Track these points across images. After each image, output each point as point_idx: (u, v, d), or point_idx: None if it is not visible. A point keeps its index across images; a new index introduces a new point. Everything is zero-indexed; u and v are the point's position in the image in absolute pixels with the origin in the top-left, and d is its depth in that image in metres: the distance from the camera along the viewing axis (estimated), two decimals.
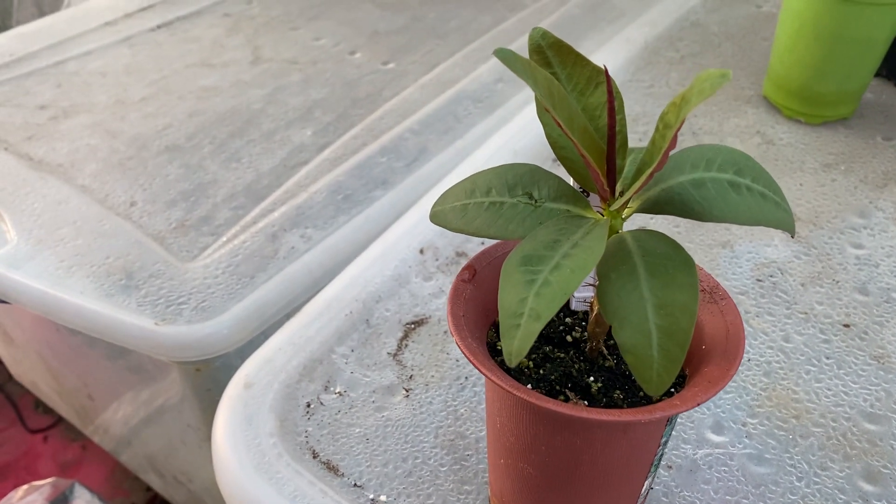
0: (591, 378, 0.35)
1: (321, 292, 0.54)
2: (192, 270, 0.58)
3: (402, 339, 0.52)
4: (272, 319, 0.57)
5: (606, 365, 0.36)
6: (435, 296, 0.54)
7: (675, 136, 0.26)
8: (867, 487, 0.43)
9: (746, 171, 0.30)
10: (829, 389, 0.48)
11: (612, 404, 0.34)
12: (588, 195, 0.35)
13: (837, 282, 0.55)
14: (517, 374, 0.36)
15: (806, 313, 0.53)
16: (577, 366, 0.36)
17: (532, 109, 0.71)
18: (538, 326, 0.27)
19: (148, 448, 0.85)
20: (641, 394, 0.35)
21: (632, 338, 0.28)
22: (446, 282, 0.55)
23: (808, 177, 0.65)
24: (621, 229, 0.32)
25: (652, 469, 0.36)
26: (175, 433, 0.72)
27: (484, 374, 0.31)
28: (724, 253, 0.58)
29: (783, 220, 0.30)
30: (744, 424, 0.46)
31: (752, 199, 0.29)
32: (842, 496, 0.42)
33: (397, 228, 0.60)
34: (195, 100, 0.77)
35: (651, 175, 0.27)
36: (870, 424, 0.46)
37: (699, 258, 0.57)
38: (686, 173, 0.30)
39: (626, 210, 0.32)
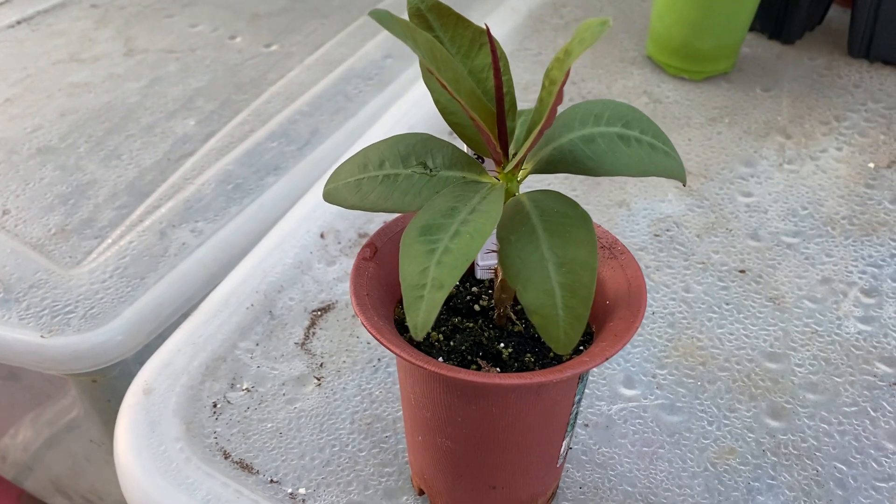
0: (502, 345, 0.35)
1: (218, 287, 0.52)
2: (78, 277, 0.54)
3: (308, 328, 0.50)
4: (169, 320, 0.54)
5: (516, 330, 0.36)
6: (340, 280, 0.53)
7: (562, 91, 0.25)
8: (773, 423, 0.45)
9: (634, 123, 0.30)
10: (731, 334, 0.50)
11: (523, 368, 0.34)
12: (483, 161, 0.34)
13: (731, 230, 0.57)
14: (427, 348, 0.35)
15: (703, 263, 0.55)
16: (486, 334, 0.36)
17: (424, 84, 0.70)
18: (442, 295, 0.26)
19: (52, 471, 0.80)
20: (552, 355, 0.35)
21: (536, 298, 0.28)
22: (351, 265, 0.54)
23: (695, 132, 0.67)
24: (518, 192, 0.31)
25: (569, 429, 0.36)
26: (78, 451, 0.68)
27: (393, 352, 0.30)
28: (621, 212, 0.59)
29: (674, 169, 0.30)
30: (654, 376, 0.47)
31: (641, 150, 0.29)
32: (751, 434, 0.44)
33: (295, 214, 0.58)
34: (66, 97, 0.72)
35: (541, 132, 0.27)
36: (771, 363, 0.48)
37: (597, 218, 0.58)
38: (576, 130, 0.30)
39: (521, 172, 0.31)
